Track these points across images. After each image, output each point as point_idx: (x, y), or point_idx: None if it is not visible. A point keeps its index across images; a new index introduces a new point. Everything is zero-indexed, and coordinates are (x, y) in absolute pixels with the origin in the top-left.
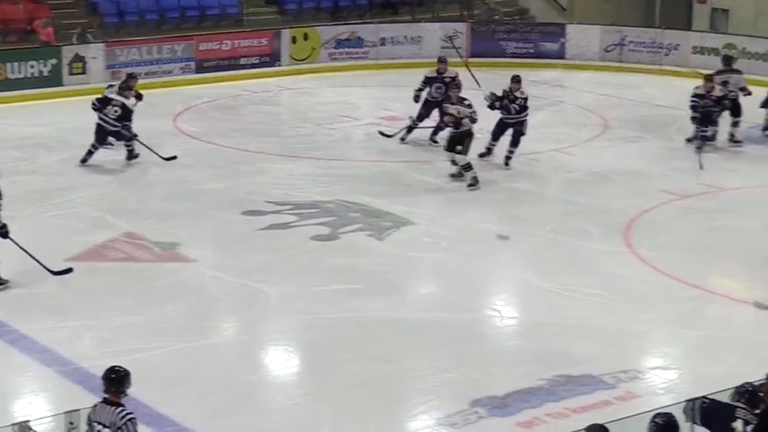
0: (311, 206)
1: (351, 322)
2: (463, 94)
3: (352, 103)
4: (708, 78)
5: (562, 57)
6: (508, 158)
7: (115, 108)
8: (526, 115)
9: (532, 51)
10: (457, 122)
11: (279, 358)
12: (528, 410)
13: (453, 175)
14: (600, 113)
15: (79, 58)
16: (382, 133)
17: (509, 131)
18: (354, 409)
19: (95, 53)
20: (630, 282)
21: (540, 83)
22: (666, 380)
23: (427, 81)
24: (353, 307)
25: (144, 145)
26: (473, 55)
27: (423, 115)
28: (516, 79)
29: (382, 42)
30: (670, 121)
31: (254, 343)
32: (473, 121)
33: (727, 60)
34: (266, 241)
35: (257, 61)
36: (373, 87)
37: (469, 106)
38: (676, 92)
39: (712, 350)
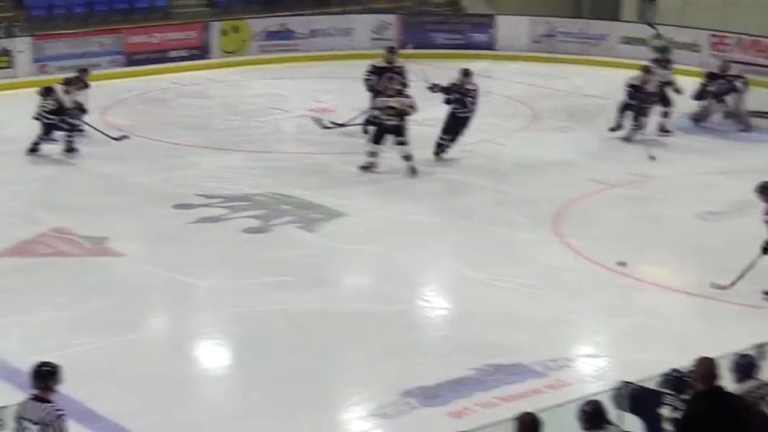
0: (242, 199)
1: (282, 315)
2: (399, 86)
3: (282, 96)
4: (645, 69)
5: (491, 48)
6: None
7: (53, 101)
8: (476, 109)
9: (461, 42)
10: (400, 114)
11: (210, 351)
12: (458, 400)
13: (364, 168)
14: (529, 104)
15: (5, 52)
16: (334, 123)
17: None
18: (286, 401)
19: (22, 47)
20: (560, 271)
21: None
22: (596, 368)
23: (377, 71)
24: (284, 300)
25: (93, 127)
26: (404, 47)
27: None
28: (466, 72)
29: (313, 34)
30: (598, 111)
31: (185, 336)
32: (414, 111)
33: (662, 51)
34: (197, 235)
35: (187, 54)
36: (304, 79)
37: (408, 96)
38: (604, 82)
39: (640, 338)
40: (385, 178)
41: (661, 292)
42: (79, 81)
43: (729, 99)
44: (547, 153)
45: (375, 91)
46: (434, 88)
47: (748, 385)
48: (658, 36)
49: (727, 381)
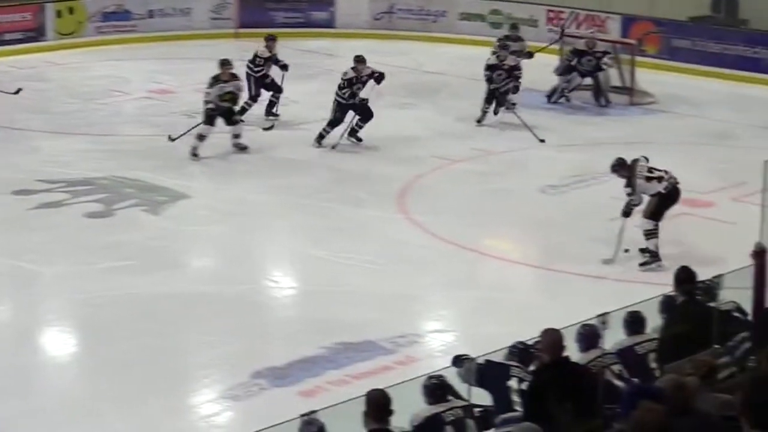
0: (84, 183)
1: (128, 299)
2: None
3: (122, 77)
4: (501, 46)
5: (331, 26)
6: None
7: None
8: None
9: (302, 20)
10: (234, 98)
11: (56, 338)
12: (309, 379)
13: (195, 155)
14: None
15: None
16: (172, 139)
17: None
18: (134, 386)
19: None
20: (405, 247)
21: (311, 52)
22: (444, 342)
23: (264, 62)
24: (130, 284)
25: None
26: (243, 26)
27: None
28: (360, 59)
29: (150, 14)
30: (439, 87)
31: (30, 324)
32: (243, 92)
33: (512, 28)
34: (39, 221)
35: (22, 37)
36: (143, 60)
37: (239, 79)
38: (444, 59)
39: (487, 311)
40: (226, 159)
41: (506, 265)
42: None
43: (597, 75)
44: (390, 129)
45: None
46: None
47: (593, 354)
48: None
49: (572, 351)
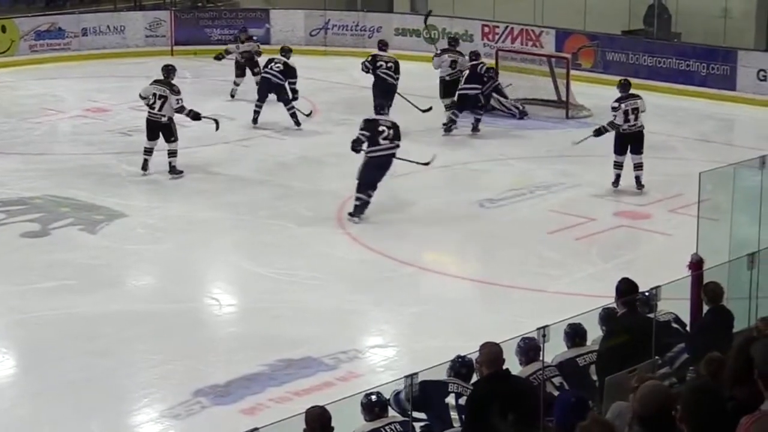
0: (19, 203)
1: (67, 319)
2: None
3: (56, 96)
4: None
5: (268, 42)
6: None
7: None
8: None
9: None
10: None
11: None
12: (250, 397)
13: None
14: (308, 97)
15: None
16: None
17: None
18: (75, 407)
19: None
20: (345, 263)
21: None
22: (385, 358)
23: None
24: (69, 304)
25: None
26: (178, 43)
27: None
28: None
29: (84, 32)
30: None
31: None
32: None
33: (432, 41)
34: None
35: None
36: (78, 78)
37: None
38: None
39: (428, 326)
40: (165, 177)
41: (446, 279)
42: None
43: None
44: (328, 145)
45: None
46: None
47: (533, 368)
48: (426, 28)
49: (513, 365)
